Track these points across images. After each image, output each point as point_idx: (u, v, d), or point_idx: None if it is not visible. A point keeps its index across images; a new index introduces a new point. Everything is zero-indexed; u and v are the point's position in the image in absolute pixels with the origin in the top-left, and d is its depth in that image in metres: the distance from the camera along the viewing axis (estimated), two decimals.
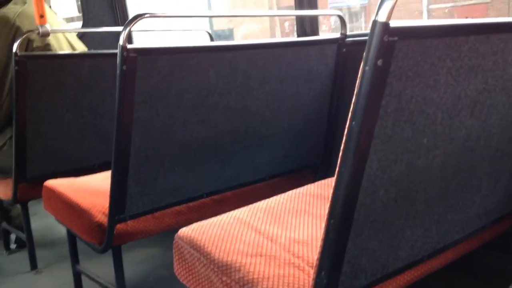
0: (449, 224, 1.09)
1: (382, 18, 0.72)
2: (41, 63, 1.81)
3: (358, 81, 0.75)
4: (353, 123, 0.76)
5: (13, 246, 2.39)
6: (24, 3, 2.21)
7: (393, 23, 0.72)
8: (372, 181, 0.82)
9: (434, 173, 0.95)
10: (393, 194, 0.88)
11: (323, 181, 1.52)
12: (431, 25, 0.82)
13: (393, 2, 0.71)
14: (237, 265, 1.04)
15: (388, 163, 0.83)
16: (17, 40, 1.78)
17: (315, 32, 1.92)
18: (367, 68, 0.73)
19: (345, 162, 0.78)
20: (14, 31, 2.08)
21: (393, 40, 0.73)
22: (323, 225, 1.22)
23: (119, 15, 2.70)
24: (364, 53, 0.74)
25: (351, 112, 0.76)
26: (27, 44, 2.09)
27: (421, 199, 0.96)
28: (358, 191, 0.81)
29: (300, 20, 1.92)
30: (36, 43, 2.12)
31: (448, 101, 0.89)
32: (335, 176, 0.80)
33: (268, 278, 0.99)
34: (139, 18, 1.21)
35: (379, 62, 0.73)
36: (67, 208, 1.53)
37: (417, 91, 0.82)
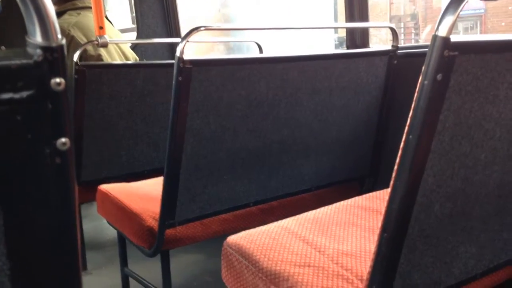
0: (504, 242, 1.06)
1: (442, 32, 0.72)
2: (99, 72, 1.89)
3: (416, 95, 0.75)
4: (410, 136, 0.76)
5: None
6: (79, 14, 2.33)
7: (454, 38, 0.72)
8: (427, 195, 0.81)
9: (491, 190, 0.93)
10: (448, 209, 0.87)
11: (371, 194, 1.51)
12: (491, 40, 0.81)
13: (454, 18, 0.71)
14: (286, 274, 1.05)
15: (444, 178, 0.82)
16: (74, 50, 1.87)
17: (366, 44, 1.91)
18: (426, 82, 0.73)
19: (400, 175, 0.78)
20: (69, 41, 2.19)
21: (453, 55, 0.73)
22: (372, 238, 1.22)
23: (172, 27, 2.79)
24: (423, 67, 0.74)
25: (408, 126, 0.76)
26: (82, 54, 2.20)
27: (476, 216, 0.94)
28: (413, 205, 0.80)
29: (351, 32, 1.92)
30: (90, 53, 2.23)
31: (508, 117, 0.87)
32: (390, 189, 0.80)
33: None
34: (196, 31, 1.25)
35: (439, 77, 0.73)
36: (120, 212, 1.59)
37: (476, 106, 0.81)
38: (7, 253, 0.39)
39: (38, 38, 0.38)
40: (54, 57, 0.38)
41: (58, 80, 0.38)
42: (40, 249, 0.40)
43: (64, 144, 0.39)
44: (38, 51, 0.37)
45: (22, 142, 0.38)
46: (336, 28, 2.05)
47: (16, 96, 0.37)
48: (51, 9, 0.38)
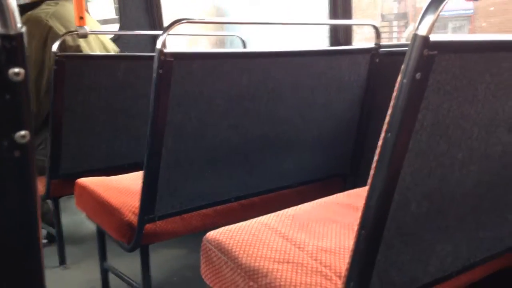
0: (480, 241, 1.08)
1: (422, 32, 0.72)
2: (79, 63, 1.86)
3: (395, 93, 0.75)
4: (388, 134, 0.76)
5: (44, 241, 2.46)
6: (57, 4, 2.28)
7: (433, 37, 0.72)
8: (404, 193, 0.82)
9: (468, 189, 0.94)
10: (425, 208, 0.87)
11: (351, 191, 1.52)
12: (471, 40, 0.82)
13: (434, 17, 0.71)
14: (264, 270, 1.05)
15: (422, 177, 0.83)
16: (52, 40, 1.83)
17: (349, 42, 1.92)
18: (405, 80, 0.73)
19: (378, 173, 0.78)
20: (47, 31, 2.14)
21: (432, 54, 0.73)
22: (351, 234, 1.22)
23: (155, 19, 2.76)
24: (403, 66, 0.74)
25: (386, 124, 0.76)
26: (60, 44, 2.16)
27: (453, 214, 0.95)
28: (390, 203, 0.81)
29: (334, 29, 1.92)
30: (69, 43, 2.19)
31: (486, 117, 0.88)
32: (368, 187, 0.80)
33: (295, 285, 1.00)
34: (177, 23, 1.23)
35: (418, 76, 0.73)
36: (98, 206, 1.57)
37: (455, 106, 0.81)
38: None
39: None
40: (12, 46, 0.36)
41: (17, 70, 0.37)
42: (1, 244, 0.39)
43: (23, 137, 0.38)
44: None
45: None
46: (320, 25, 2.05)
47: None
48: None
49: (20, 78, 0.37)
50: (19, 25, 0.37)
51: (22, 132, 0.38)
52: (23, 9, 2.22)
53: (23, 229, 0.39)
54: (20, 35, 0.37)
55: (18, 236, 0.39)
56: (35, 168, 0.39)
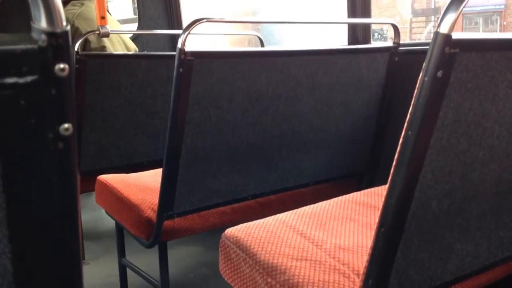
0: (501, 241, 1.07)
1: (444, 29, 0.72)
2: (100, 62, 1.89)
3: (416, 91, 0.75)
4: (409, 132, 0.76)
5: None
6: (82, 4, 2.32)
7: (455, 35, 0.72)
8: (425, 192, 0.82)
9: (489, 187, 0.94)
10: (445, 206, 0.87)
11: (369, 190, 1.52)
12: (493, 38, 0.82)
13: (456, 15, 0.71)
14: (283, 267, 1.05)
15: (442, 175, 0.83)
16: (77, 40, 1.86)
17: (367, 41, 1.91)
18: (426, 78, 0.74)
19: (399, 171, 0.78)
20: (73, 32, 2.18)
21: (454, 52, 0.73)
22: (369, 233, 1.22)
23: (173, 18, 2.78)
24: (424, 64, 0.74)
25: (407, 122, 0.76)
26: (85, 44, 2.20)
27: (473, 213, 0.95)
28: (410, 201, 0.81)
29: (353, 28, 1.92)
30: (94, 45, 2.22)
31: (507, 115, 0.87)
32: (388, 184, 0.81)
33: (313, 283, 1.00)
34: (197, 23, 1.25)
35: (439, 74, 0.73)
36: (118, 202, 1.59)
37: (476, 104, 0.81)
38: (9, 236, 0.39)
39: (43, 23, 0.38)
40: (58, 43, 0.38)
41: (62, 66, 0.39)
42: (41, 233, 0.41)
43: (66, 129, 0.39)
44: (43, 36, 0.38)
45: (26, 126, 0.38)
46: (339, 24, 2.04)
47: (21, 80, 0.37)
48: None
49: (65, 73, 0.39)
50: (64, 22, 0.39)
51: (66, 125, 0.39)
52: None
53: (65, 219, 0.41)
54: (65, 33, 0.39)
55: (60, 226, 0.41)
56: (76, 160, 0.41)
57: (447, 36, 0.72)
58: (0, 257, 0.40)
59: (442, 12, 0.73)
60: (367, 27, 1.92)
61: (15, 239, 0.40)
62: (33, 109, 0.38)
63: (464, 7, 0.73)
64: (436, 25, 0.75)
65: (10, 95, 0.37)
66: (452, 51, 0.73)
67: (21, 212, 0.39)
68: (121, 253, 1.84)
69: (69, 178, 0.40)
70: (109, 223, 2.43)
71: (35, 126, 0.38)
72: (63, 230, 0.41)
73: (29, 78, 0.37)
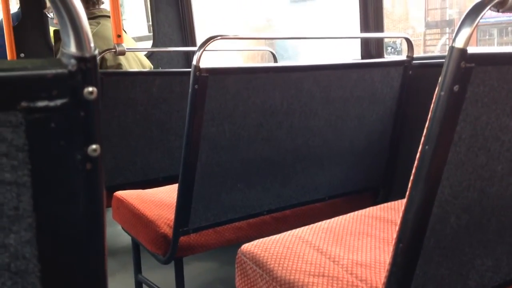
0: None
1: (459, 44, 0.72)
2: (115, 79, 1.91)
3: (432, 105, 0.75)
4: (426, 147, 0.76)
5: None
6: (98, 23, 2.37)
7: (471, 49, 0.72)
8: (443, 207, 0.81)
9: (508, 202, 0.92)
10: (464, 221, 0.86)
11: (385, 204, 1.51)
12: (508, 52, 0.81)
13: (471, 29, 0.71)
14: (300, 284, 1.05)
15: (461, 189, 0.82)
16: None
17: (381, 54, 1.92)
18: (442, 93, 0.73)
19: (416, 186, 0.78)
20: None
21: (470, 67, 0.73)
22: (387, 249, 1.21)
23: (187, 35, 2.82)
24: (440, 78, 0.74)
25: (424, 136, 0.76)
26: (101, 63, 2.23)
27: (493, 228, 0.93)
28: (428, 216, 0.80)
29: (366, 42, 1.92)
30: (110, 63, 2.26)
31: None
32: (406, 199, 0.80)
33: None
34: (212, 40, 1.26)
35: (455, 88, 0.73)
36: (135, 218, 1.60)
37: (493, 118, 0.81)
38: (38, 255, 0.40)
39: (72, 48, 0.39)
40: (87, 67, 0.39)
41: (90, 89, 0.40)
42: (69, 252, 0.41)
43: (94, 150, 0.40)
44: (73, 61, 0.39)
45: (55, 148, 0.39)
46: (352, 38, 2.05)
47: (51, 104, 0.38)
48: (84, 20, 0.39)
49: (93, 96, 0.40)
50: (92, 46, 0.40)
51: (94, 146, 0.40)
52: None
53: (91, 238, 0.42)
54: (94, 57, 0.40)
55: (86, 244, 0.42)
56: (103, 180, 0.42)
57: (463, 51, 0.72)
58: (29, 276, 0.41)
59: (457, 26, 0.73)
60: (380, 41, 1.92)
61: (44, 259, 0.41)
62: (63, 131, 0.39)
63: (479, 21, 0.73)
64: (450, 37, 0.75)
65: (41, 118, 0.38)
66: (468, 65, 0.73)
67: (50, 232, 0.40)
68: (138, 269, 1.85)
69: (96, 198, 0.41)
70: (125, 239, 2.44)
71: (64, 147, 0.39)
72: (90, 249, 0.42)
73: (59, 102, 0.39)
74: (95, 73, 0.40)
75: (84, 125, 0.40)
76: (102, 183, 0.42)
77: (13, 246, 0.39)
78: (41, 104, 0.38)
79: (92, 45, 0.40)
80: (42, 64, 0.38)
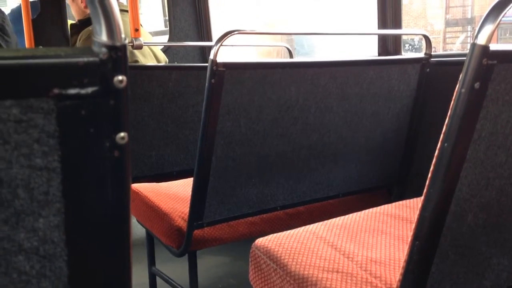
0: None
1: (481, 41, 0.71)
2: (132, 73, 1.92)
3: (452, 102, 0.74)
4: (445, 144, 0.75)
5: None
6: None
7: (493, 47, 0.72)
8: (461, 205, 0.81)
9: None
10: (482, 220, 0.86)
11: (400, 202, 1.50)
12: None
13: (493, 26, 0.71)
14: (314, 279, 1.05)
15: (479, 188, 0.81)
16: None
17: (398, 52, 1.90)
18: (463, 90, 0.73)
19: (434, 184, 0.77)
20: None
21: (492, 64, 0.72)
22: (402, 246, 1.21)
23: (203, 30, 2.83)
24: (461, 75, 0.73)
25: (444, 134, 0.76)
26: None
27: (510, 227, 0.92)
28: (446, 214, 0.80)
29: (383, 39, 1.91)
30: None
31: None
32: (423, 197, 0.80)
33: None
34: (229, 35, 1.27)
35: (476, 85, 0.72)
36: (150, 211, 1.62)
37: None
38: (66, 240, 0.41)
39: (103, 37, 0.40)
40: (118, 56, 0.40)
41: (120, 77, 0.40)
42: (95, 237, 0.42)
43: (122, 138, 0.41)
44: (104, 49, 0.40)
45: (85, 135, 0.40)
46: (369, 35, 2.04)
47: (82, 91, 0.39)
48: (116, 10, 0.40)
49: (123, 85, 0.40)
50: (123, 36, 0.40)
51: (122, 134, 0.41)
52: (83, 24, 2.32)
53: (118, 223, 0.42)
54: (124, 46, 0.40)
55: (113, 230, 0.42)
56: (130, 167, 0.42)
57: (485, 48, 0.71)
58: (57, 260, 0.42)
59: (479, 23, 0.72)
60: (397, 38, 1.91)
61: (72, 243, 0.42)
62: (93, 118, 0.40)
63: (501, 18, 0.72)
64: (470, 35, 0.74)
65: (72, 105, 0.39)
66: (489, 62, 0.72)
67: (78, 217, 0.41)
68: (151, 261, 1.86)
69: (123, 185, 0.42)
70: (140, 231, 2.46)
71: (94, 134, 0.40)
72: (116, 234, 0.43)
73: (89, 89, 0.39)
74: (125, 62, 0.41)
75: (113, 113, 0.41)
76: (129, 170, 0.42)
77: (42, 230, 0.40)
78: (72, 91, 0.39)
79: (123, 34, 0.40)
80: (74, 52, 0.39)
